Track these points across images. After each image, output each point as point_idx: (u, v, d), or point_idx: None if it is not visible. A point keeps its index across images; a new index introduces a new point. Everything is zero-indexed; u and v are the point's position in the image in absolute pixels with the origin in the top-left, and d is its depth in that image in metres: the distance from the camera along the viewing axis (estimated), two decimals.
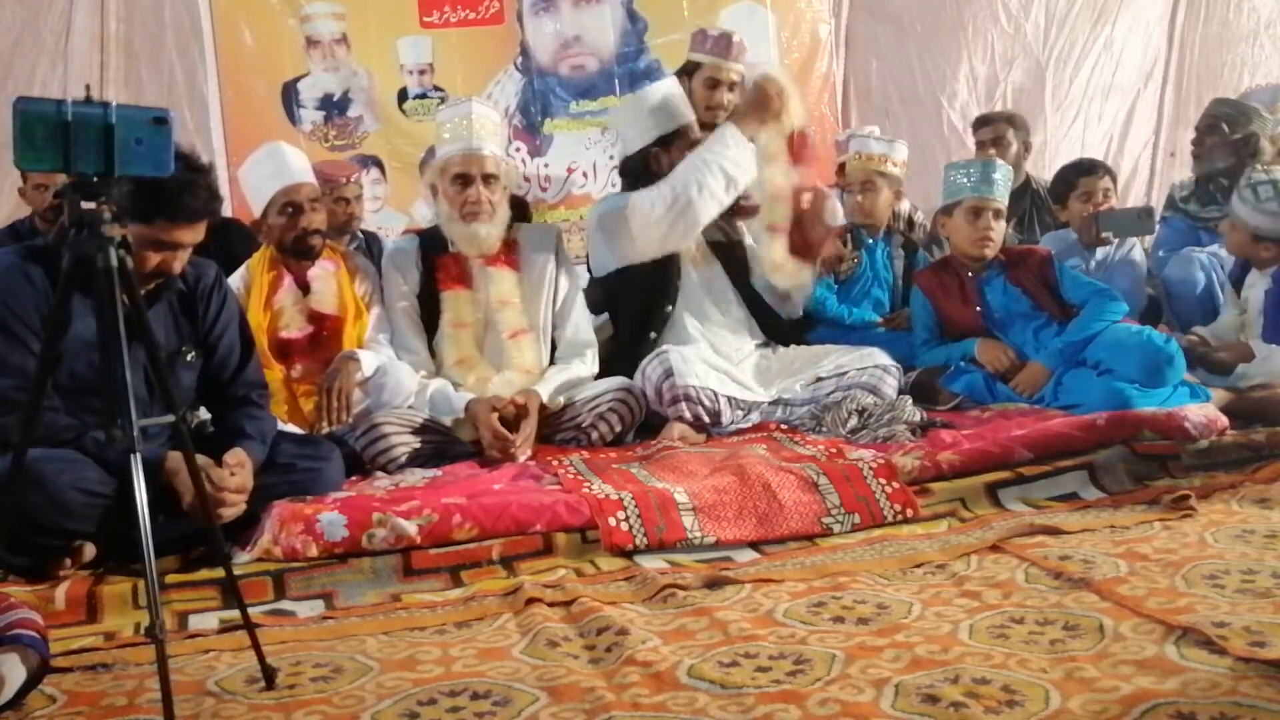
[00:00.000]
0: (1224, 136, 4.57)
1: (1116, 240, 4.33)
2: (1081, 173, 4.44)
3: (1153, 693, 1.64)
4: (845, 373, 3.51)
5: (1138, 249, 4.36)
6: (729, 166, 3.50)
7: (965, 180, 3.78)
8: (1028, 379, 3.58)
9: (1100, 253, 4.30)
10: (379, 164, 5.59)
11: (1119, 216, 4.33)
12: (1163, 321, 4.28)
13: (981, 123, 5.09)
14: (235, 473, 2.54)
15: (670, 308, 3.67)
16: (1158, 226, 4.95)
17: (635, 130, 3.78)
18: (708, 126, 4.23)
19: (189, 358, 2.69)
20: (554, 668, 1.89)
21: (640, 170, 3.73)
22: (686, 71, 4.50)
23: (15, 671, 1.78)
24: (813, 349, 3.78)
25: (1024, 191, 4.83)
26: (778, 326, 3.86)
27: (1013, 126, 4.95)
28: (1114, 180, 4.61)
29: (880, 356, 3.58)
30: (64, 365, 2.45)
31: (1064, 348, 3.55)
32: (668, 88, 3.83)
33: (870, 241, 4.32)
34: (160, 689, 1.62)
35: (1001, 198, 3.79)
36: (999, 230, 3.80)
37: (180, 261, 2.56)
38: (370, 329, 3.50)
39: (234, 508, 2.51)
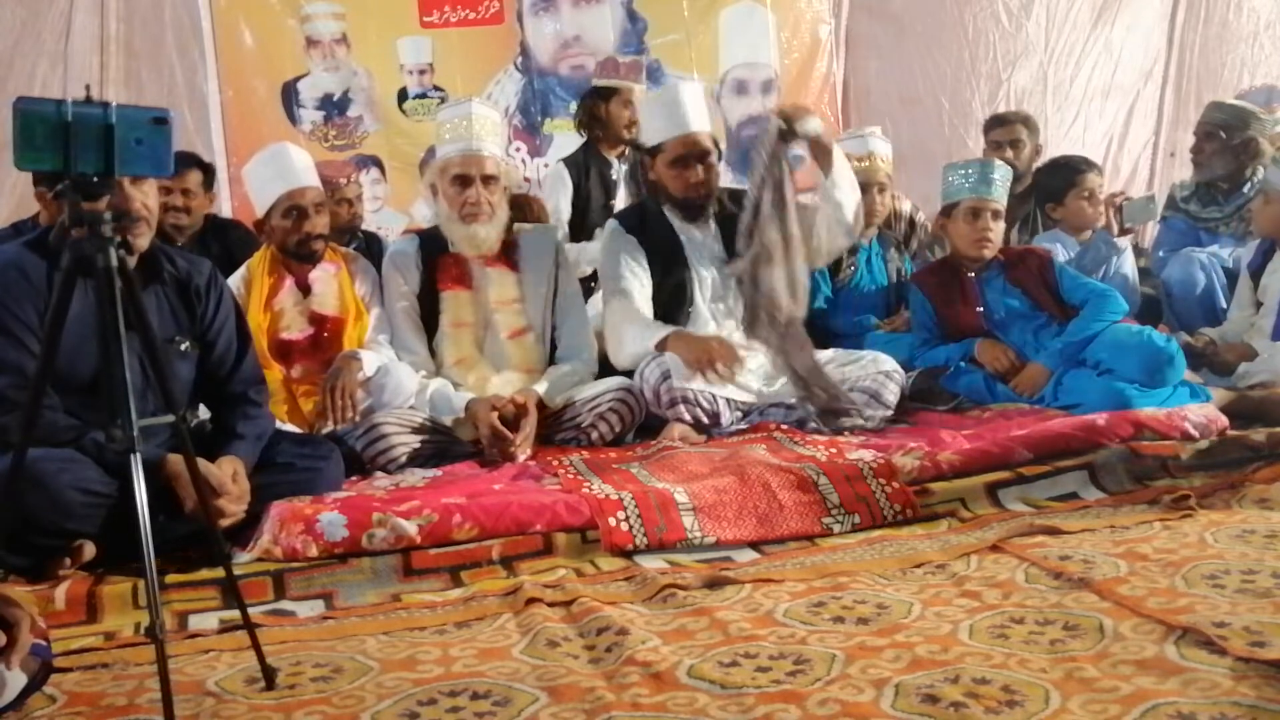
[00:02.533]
0: (1223, 143, 4.58)
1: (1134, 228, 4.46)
2: (1078, 170, 4.42)
3: (1153, 693, 1.64)
4: (846, 378, 3.49)
5: (1128, 260, 4.36)
6: None
7: (964, 181, 3.78)
8: (1028, 379, 3.58)
9: (1090, 259, 4.30)
10: (379, 164, 5.60)
11: (1135, 206, 4.45)
12: (1162, 322, 4.28)
13: (996, 123, 5.06)
14: (235, 479, 2.54)
15: None
16: (1158, 227, 4.98)
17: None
18: (630, 143, 4.66)
19: (183, 348, 2.67)
20: (554, 668, 1.89)
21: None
22: (603, 97, 4.73)
23: (15, 677, 1.78)
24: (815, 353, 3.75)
25: (1030, 193, 4.82)
26: None
27: (1027, 127, 4.95)
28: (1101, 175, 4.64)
29: (885, 362, 3.51)
30: (61, 362, 2.44)
31: (1064, 348, 3.55)
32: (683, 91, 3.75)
33: (864, 245, 4.30)
34: (160, 689, 1.62)
35: (1000, 198, 3.79)
36: (998, 231, 3.80)
37: (138, 201, 2.47)
38: (370, 330, 3.50)
39: (233, 517, 2.52)
